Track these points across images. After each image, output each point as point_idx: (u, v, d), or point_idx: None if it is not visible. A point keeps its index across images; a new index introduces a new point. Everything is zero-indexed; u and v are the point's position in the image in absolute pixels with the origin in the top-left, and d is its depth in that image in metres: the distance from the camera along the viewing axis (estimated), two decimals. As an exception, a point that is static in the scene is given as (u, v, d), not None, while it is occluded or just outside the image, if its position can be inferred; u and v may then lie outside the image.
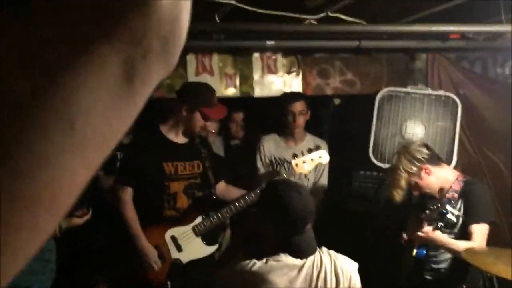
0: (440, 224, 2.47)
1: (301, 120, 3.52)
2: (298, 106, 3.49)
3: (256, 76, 3.75)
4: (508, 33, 3.00)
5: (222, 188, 3.08)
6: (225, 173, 3.20)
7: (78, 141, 0.31)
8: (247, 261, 2.01)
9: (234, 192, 3.10)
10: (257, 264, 1.93)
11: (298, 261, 1.90)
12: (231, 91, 3.73)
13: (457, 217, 2.53)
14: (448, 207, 2.49)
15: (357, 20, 3.00)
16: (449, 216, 2.49)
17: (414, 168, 2.66)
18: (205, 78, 3.56)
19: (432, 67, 3.80)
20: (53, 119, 0.30)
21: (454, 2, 2.71)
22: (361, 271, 2.01)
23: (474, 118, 3.78)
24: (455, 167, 3.36)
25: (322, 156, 3.06)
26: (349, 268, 1.94)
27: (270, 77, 3.78)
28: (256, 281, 1.89)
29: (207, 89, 2.94)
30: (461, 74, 3.82)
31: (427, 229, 2.50)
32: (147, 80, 0.36)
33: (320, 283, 1.88)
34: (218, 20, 2.81)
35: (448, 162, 3.33)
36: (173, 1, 0.37)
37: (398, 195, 2.73)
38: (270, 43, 3.35)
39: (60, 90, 0.30)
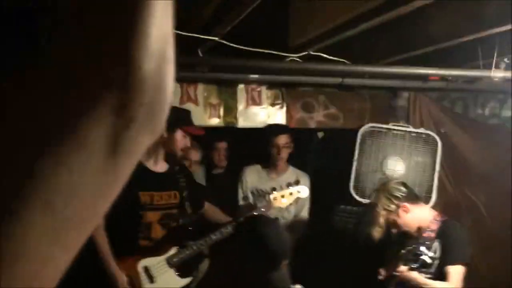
0: (414, 265, 2.49)
1: (285, 153, 3.55)
2: (283, 139, 3.52)
3: (240, 107, 3.79)
4: (486, 77, 3.09)
5: (207, 210, 3.09)
6: (206, 197, 3.19)
7: (59, 224, 0.29)
8: None
9: (217, 213, 3.13)
10: None
11: None
12: (215, 121, 3.76)
13: (432, 258, 2.55)
14: (422, 248, 2.51)
15: (339, 59, 3.07)
16: (423, 257, 2.51)
17: (393, 206, 2.70)
18: (189, 107, 3.58)
19: (414, 105, 3.88)
20: (32, 202, 0.28)
21: (435, 47, 2.79)
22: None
23: (455, 157, 3.83)
24: (434, 206, 3.39)
25: (301, 191, 3.07)
26: None
27: (254, 109, 3.81)
28: None
29: (183, 110, 3.00)
30: (442, 113, 3.89)
31: (403, 268, 2.52)
32: (132, 151, 0.35)
33: None
34: (201, 55, 2.85)
35: (427, 200, 3.37)
36: (157, 67, 0.36)
37: (377, 233, 2.75)
38: (254, 76, 3.40)
39: (39, 171, 0.28)
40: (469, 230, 3.69)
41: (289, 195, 3.08)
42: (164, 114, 0.37)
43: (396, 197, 2.71)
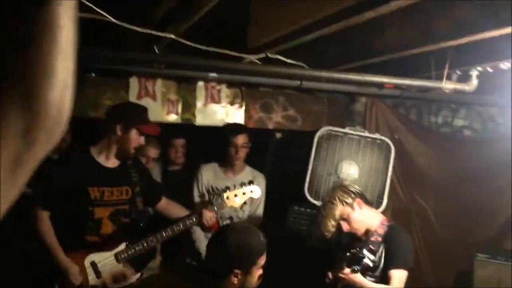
0: (356, 267, 2.56)
1: (242, 153, 3.56)
2: (241, 139, 3.53)
3: (199, 104, 3.78)
4: (437, 88, 3.19)
5: (163, 205, 3.05)
6: (162, 192, 3.16)
7: None
8: None
9: (175, 208, 3.09)
10: None
11: None
12: (172, 117, 3.73)
13: (373, 262, 2.63)
14: (365, 252, 2.58)
15: (297, 63, 3.11)
16: (366, 260, 2.59)
17: (349, 199, 2.76)
18: (147, 102, 3.55)
19: (371, 111, 3.97)
20: None
21: (390, 56, 2.86)
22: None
23: (407, 163, 3.95)
24: (385, 210, 3.49)
25: (254, 191, 3.09)
26: None
27: (213, 107, 3.81)
28: None
29: (139, 107, 2.93)
30: (397, 120, 4.00)
31: (346, 271, 2.59)
32: (29, 168, 0.38)
33: None
34: (157, 51, 2.82)
35: (378, 205, 3.46)
36: (60, 95, 0.41)
37: (332, 227, 2.80)
38: (212, 75, 3.39)
39: None
40: (417, 235, 3.83)
41: (242, 194, 3.09)
42: (62, 130, 0.40)
43: (353, 192, 2.80)
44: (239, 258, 1.94)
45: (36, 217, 2.63)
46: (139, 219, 2.92)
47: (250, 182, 3.11)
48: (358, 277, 2.64)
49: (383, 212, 3.21)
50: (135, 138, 2.76)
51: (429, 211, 3.94)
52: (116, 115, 2.81)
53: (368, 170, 3.63)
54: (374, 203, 3.27)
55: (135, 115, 2.81)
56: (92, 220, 2.72)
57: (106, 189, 2.76)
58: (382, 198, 3.56)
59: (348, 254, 2.61)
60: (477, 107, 4.20)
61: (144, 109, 2.91)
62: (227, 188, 3.16)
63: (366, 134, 3.72)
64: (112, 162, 2.82)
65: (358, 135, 3.69)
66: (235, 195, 3.02)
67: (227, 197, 3.00)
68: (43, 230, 2.63)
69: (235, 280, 1.93)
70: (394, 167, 3.65)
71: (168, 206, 3.09)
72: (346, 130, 3.72)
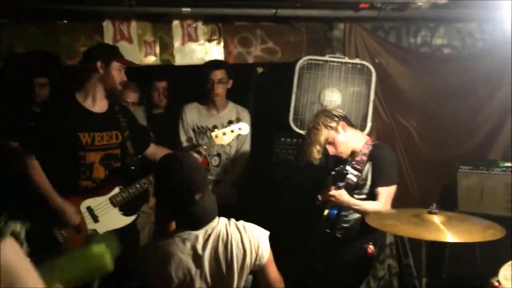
0: (340, 183, 2.67)
1: (220, 89, 3.61)
2: (218, 74, 3.57)
3: (177, 44, 3.77)
4: (414, 3, 3.20)
5: (152, 151, 3.12)
6: (150, 138, 3.23)
7: None
8: (157, 239, 2.09)
9: (164, 152, 3.15)
10: (164, 241, 2.00)
11: (201, 235, 1.99)
12: (151, 59, 3.74)
13: (358, 177, 2.74)
14: (348, 168, 2.69)
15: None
16: (349, 176, 2.70)
17: (333, 123, 2.84)
18: (123, 45, 3.53)
19: (349, 37, 3.98)
20: None
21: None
22: (277, 235, 2.14)
23: (388, 86, 4.02)
24: (370, 133, 3.59)
25: (242, 128, 3.14)
26: (257, 237, 2.03)
27: (191, 45, 3.81)
28: (163, 258, 1.97)
29: (112, 46, 3.04)
30: (376, 44, 4.03)
31: (332, 189, 2.71)
32: None
33: (226, 255, 1.97)
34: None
35: (363, 128, 3.56)
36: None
37: (318, 153, 2.89)
38: (186, 10, 3.37)
39: None
40: (402, 154, 3.97)
41: (230, 132, 3.13)
42: None
43: (336, 116, 2.87)
44: None
45: (27, 166, 2.69)
46: (130, 162, 2.98)
47: (238, 120, 3.17)
48: (344, 196, 2.75)
49: (368, 135, 3.31)
50: (117, 73, 2.81)
51: (412, 130, 4.06)
52: (93, 55, 2.82)
53: (350, 95, 3.70)
54: (358, 127, 3.37)
55: (111, 51, 2.85)
56: (84, 165, 2.79)
57: (96, 134, 2.82)
58: (366, 122, 3.65)
59: (333, 173, 2.72)
60: (456, 24, 4.23)
61: (116, 47, 2.97)
62: (215, 127, 3.22)
63: (346, 60, 3.76)
64: (99, 107, 2.86)
65: (338, 61, 3.73)
66: (224, 133, 3.07)
67: (216, 136, 3.06)
68: (37, 177, 2.70)
69: None
70: (376, 91, 3.72)
71: (157, 151, 3.15)
72: (326, 58, 3.75)
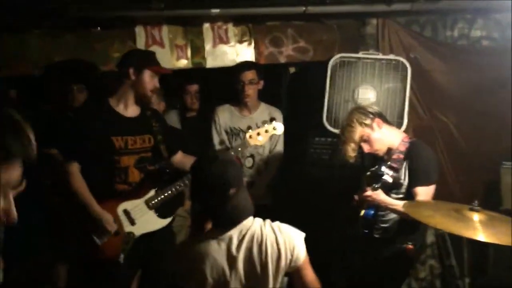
0: (376, 185, 2.61)
1: (250, 90, 3.61)
2: (248, 76, 3.57)
3: (208, 46, 3.79)
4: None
5: (179, 158, 3.15)
6: (181, 144, 3.25)
7: None
8: (191, 239, 2.11)
9: (191, 162, 3.17)
10: (198, 242, 2.00)
11: (235, 235, 1.98)
12: (182, 63, 3.77)
13: (394, 177, 2.66)
14: (383, 169, 2.62)
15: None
16: (385, 177, 2.62)
17: (368, 120, 2.79)
18: (155, 50, 3.57)
19: (383, 32, 3.91)
20: None
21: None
22: (313, 236, 2.10)
23: (425, 81, 3.92)
24: (406, 130, 3.51)
25: (277, 128, 3.12)
26: (293, 238, 2.01)
27: (222, 47, 3.83)
28: (197, 259, 1.97)
29: (148, 51, 3.06)
30: (411, 38, 3.94)
31: (368, 190, 2.65)
32: None
33: (261, 255, 1.96)
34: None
35: (399, 125, 3.48)
36: None
37: (353, 151, 2.83)
38: (215, 11, 3.38)
39: None
40: (442, 151, 3.86)
41: (265, 132, 3.12)
42: None
43: (371, 112, 2.81)
44: None
45: (68, 174, 2.76)
46: (165, 166, 3.01)
47: (272, 119, 3.16)
48: (381, 196, 2.69)
49: (405, 132, 3.23)
50: (149, 80, 2.86)
51: (451, 126, 3.95)
52: (126, 61, 2.87)
53: (385, 92, 3.63)
54: (394, 124, 3.29)
55: (145, 58, 2.88)
56: (119, 169, 2.85)
57: (129, 137, 2.87)
58: (402, 119, 3.57)
59: (368, 173, 2.66)
60: (495, 15, 4.09)
61: (152, 53, 3.00)
62: (249, 127, 3.22)
63: (380, 56, 3.69)
64: (131, 111, 2.92)
65: (372, 58, 3.66)
66: (258, 134, 3.07)
67: (250, 136, 3.06)
68: (77, 185, 2.77)
69: None
70: (412, 87, 3.64)
71: (184, 159, 3.16)
72: (360, 55, 3.69)
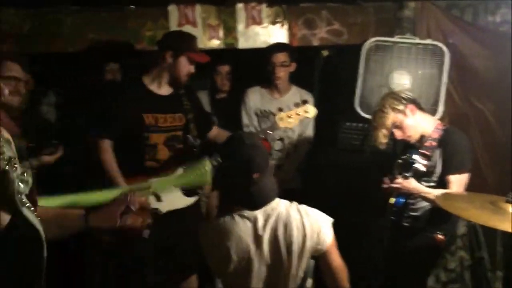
0: (407, 173, 2.56)
1: (281, 72, 3.57)
2: (280, 58, 3.54)
3: (240, 27, 3.78)
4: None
5: (214, 133, 3.20)
6: (213, 122, 3.31)
7: None
8: (217, 217, 2.14)
9: (226, 135, 3.20)
10: (224, 219, 2.04)
11: (261, 215, 2.00)
12: (215, 43, 3.77)
13: (426, 166, 2.61)
14: (414, 156, 2.56)
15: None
16: (416, 165, 2.57)
17: (401, 106, 2.73)
18: (188, 29, 3.59)
19: (421, 15, 3.81)
20: None
21: None
22: (341, 222, 2.09)
23: (463, 67, 3.81)
24: (442, 117, 3.43)
25: (309, 111, 3.10)
26: (319, 222, 2.02)
27: (254, 28, 3.80)
28: (222, 236, 2.01)
29: (189, 35, 3.01)
30: (451, 23, 3.83)
31: (399, 178, 2.60)
32: None
33: (286, 236, 1.98)
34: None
35: (434, 112, 3.40)
36: None
37: (384, 137, 2.79)
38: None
39: None
40: (477, 139, 3.75)
41: (296, 115, 3.10)
42: None
43: (404, 98, 2.76)
44: None
45: (99, 148, 2.82)
46: (193, 144, 3.04)
47: (304, 102, 3.13)
48: (412, 183, 2.64)
49: (440, 120, 3.16)
50: (185, 65, 2.89)
51: (487, 114, 3.83)
52: (165, 43, 2.90)
53: (421, 78, 3.55)
54: (429, 111, 3.21)
55: (185, 43, 2.91)
56: (148, 146, 2.91)
57: (160, 115, 2.93)
58: (437, 106, 3.49)
59: (399, 161, 2.62)
60: (540, 0, 3.92)
61: (193, 37, 3.01)
62: (280, 109, 3.20)
63: (417, 41, 3.60)
64: (164, 90, 2.97)
65: (408, 43, 3.58)
66: (289, 116, 3.06)
67: (281, 118, 3.05)
68: (106, 159, 2.83)
69: None
70: (449, 73, 3.54)
71: (220, 133, 3.19)
72: (395, 39, 3.62)
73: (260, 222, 2.00)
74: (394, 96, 2.80)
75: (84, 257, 3.41)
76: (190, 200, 3.00)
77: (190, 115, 3.04)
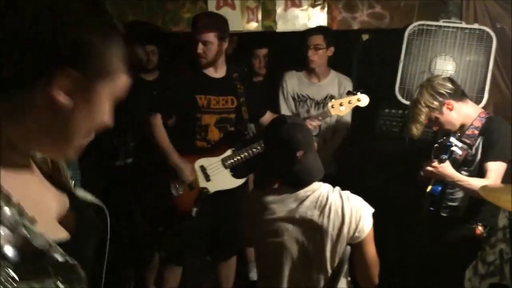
0: (444, 156, 2.49)
1: (316, 55, 3.53)
2: (314, 40, 3.51)
3: (279, 9, 3.75)
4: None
5: (267, 118, 3.26)
6: (266, 107, 3.36)
7: None
8: (257, 192, 2.17)
9: None
10: (262, 195, 2.10)
11: (301, 193, 2.03)
12: (253, 25, 3.76)
13: (463, 150, 2.53)
14: (452, 139, 2.49)
15: None
16: (454, 148, 2.50)
17: (436, 103, 2.67)
18: (226, 11, 3.60)
19: (468, -1, 3.66)
20: None
21: None
22: (377, 211, 2.06)
23: (510, 54, 3.65)
24: (486, 106, 3.32)
25: (362, 99, 3.13)
26: (360, 209, 2.02)
27: (293, 11, 3.77)
28: (259, 211, 2.07)
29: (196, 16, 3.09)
30: (499, 7, 3.71)
31: (435, 162, 2.53)
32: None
33: (323, 219, 1.99)
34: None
35: (478, 100, 3.30)
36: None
37: (417, 130, 2.75)
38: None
39: None
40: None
41: (348, 103, 3.14)
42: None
43: (441, 94, 2.68)
44: None
45: (151, 125, 2.91)
46: (244, 127, 3.15)
47: (358, 91, 3.12)
48: (448, 170, 2.57)
49: (484, 108, 3.06)
50: (195, 47, 2.93)
51: (535, 104, 3.68)
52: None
53: (466, 65, 3.46)
54: (473, 99, 3.12)
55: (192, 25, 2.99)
56: (200, 126, 3.02)
57: (212, 97, 3.02)
58: (482, 94, 3.40)
59: (436, 145, 2.55)
60: None
61: (196, 16, 3.07)
62: (332, 97, 3.21)
63: (463, 25, 3.49)
64: (218, 73, 3.06)
65: (454, 27, 3.49)
66: (341, 104, 3.08)
67: (332, 106, 3.12)
68: (159, 135, 2.94)
69: None
70: (496, 59, 3.42)
71: (273, 118, 3.21)
72: (440, 23, 3.53)
73: (297, 202, 2.03)
74: (430, 91, 2.70)
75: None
76: (239, 182, 3.07)
77: (242, 98, 3.11)
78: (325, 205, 2.00)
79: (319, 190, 2.04)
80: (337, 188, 2.09)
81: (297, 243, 2.03)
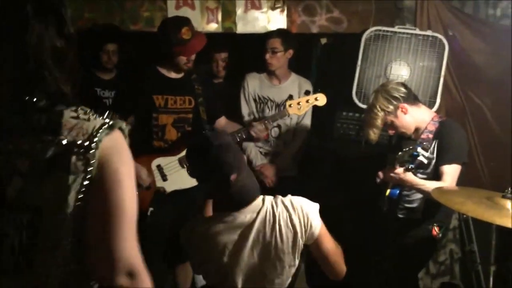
0: (411, 166, 2.55)
1: (273, 58, 3.55)
2: (272, 43, 3.55)
3: (239, 11, 3.78)
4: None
5: (222, 123, 3.31)
6: (225, 110, 3.40)
7: None
8: (201, 219, 2.14)
9: (234, 128, 3.29)
10: (207, 222, 2.04)
11: (246, 218, 1.96)
12: (213, 27, 3.77)
13: (428, 158, 2.60)
14: (419, 149, 2.57)
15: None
16: (420, 158, 2.58)
17: (391, 107, 2.75)
18: (185, 12, 3.59)
19: (422, 6, 3.86)
20: None
21: None
22: (335, 212, 2.05)
23: (462, 60, 3.86)
24: (439, 110, 3.42)
25: (319, 99, 3.20)
26: (306, 212, 1.99)
27: (253, 13, 3.83)
28: (206, 238, 1.98)
29: (173, 26, 3.02)
30: (451, 15, 3.88)
31: (399, 170, 2.58)
32: None
33: (275, 236, 1.94)
34: None
35: (431, 105, 3.41)
36: None
37: (374, 135, 2.82)
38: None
39: None
40: (473, 134, 3.76)
41: (306, 102, 3.22)
42: None
43: (395, 98, 2.77)
44: None
45: None
46: (202, 127, 3.16)
47: (316, 90, 3.17)
48: (410, 177, 2.64)
49: (437, 112, 3.15)
50: (182, 59, 3.02)
51: (485, 109, 3.91)
52: (159, 36, 3.04)
53: (419, 70, 3.60)
54: (426, 104, 3.22)
55: (169, 38, 2.95)
56: (157, 126, 3.05)
57: (170, 97, 3.05)
58: (435, 98, 3.53)
59: (400, 153, 2.60)
60: (542, -6, 3.90)
61: (178, 28, 2.98)
62: (291, 96, 3.24)
63: (417, 31, 3.62)
64: (175, 73, 3.11)
65: (408, 33, 3.61)
66: (298, 103, 3.10)
67: (290, 105, 3.19)
68: None
69: None
70: (447, 65, 3.55)
71: (228, 125, 3.33)
72: (395, 29, 3.65)
73: (245, 225, 1.95)
74: (385, 96, 2.80)
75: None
76: (195, 182, 3.02)
77: (200, 99, 3.15)
78: (274, 222, 1.94)
79: (264, 208, 1.97)
80: (279, 198, 2.04)
81: (253, 264, 1.95)
